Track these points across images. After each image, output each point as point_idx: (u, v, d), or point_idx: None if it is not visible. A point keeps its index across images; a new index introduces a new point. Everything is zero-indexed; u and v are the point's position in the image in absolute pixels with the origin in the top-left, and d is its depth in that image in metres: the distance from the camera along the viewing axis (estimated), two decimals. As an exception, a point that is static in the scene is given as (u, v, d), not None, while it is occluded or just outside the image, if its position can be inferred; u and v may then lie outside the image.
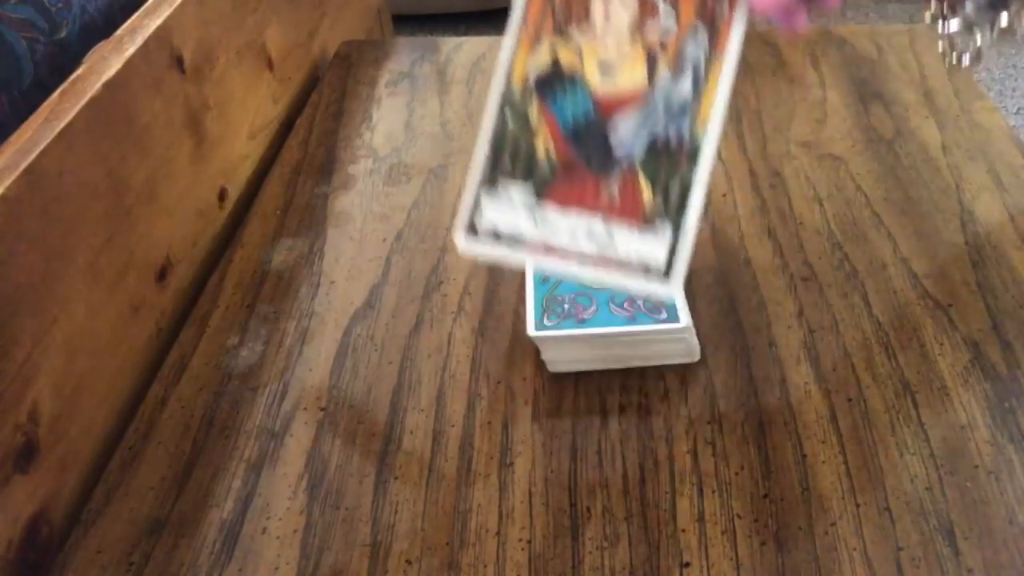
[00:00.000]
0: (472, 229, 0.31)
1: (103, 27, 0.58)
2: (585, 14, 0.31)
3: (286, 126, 0.79)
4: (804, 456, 0.45)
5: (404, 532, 0.43)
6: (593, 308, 0.48)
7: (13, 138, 0.46)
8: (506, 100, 0.31)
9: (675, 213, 0.30)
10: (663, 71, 0.30)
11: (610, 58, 0.30)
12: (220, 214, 0.67)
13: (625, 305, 0.48)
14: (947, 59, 0.45)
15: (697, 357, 0.50)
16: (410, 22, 2.45)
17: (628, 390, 0.49)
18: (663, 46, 0.30)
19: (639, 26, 0.30)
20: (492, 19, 2.49)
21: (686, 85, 0.30)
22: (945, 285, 0.54)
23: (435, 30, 2.45)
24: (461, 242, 0.31)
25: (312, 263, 0.60)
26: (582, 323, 0.47)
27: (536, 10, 0.31)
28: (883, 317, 0.52)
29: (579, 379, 0.50)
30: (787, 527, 0.42)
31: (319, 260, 0.61)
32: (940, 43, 0.45)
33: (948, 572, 0.39)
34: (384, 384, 0.51)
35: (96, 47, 0.55)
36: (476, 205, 0.31)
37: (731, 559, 0.41)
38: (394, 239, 0.62)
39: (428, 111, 0.76)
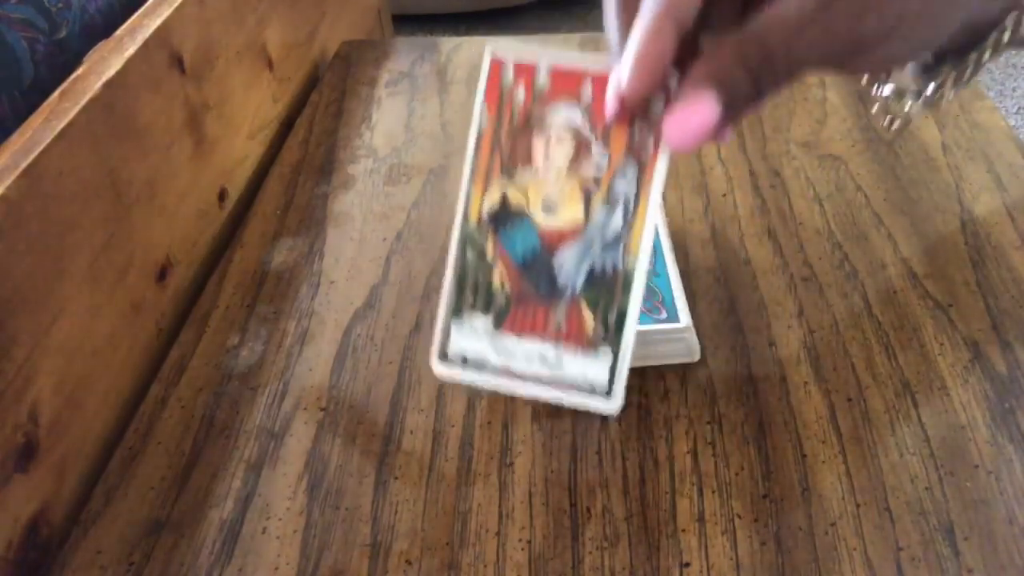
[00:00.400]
0: (444, 355, 0.35)
1: (103, 27, 0.58)
2: (528, 156, 0.35)
3: (286, 126, 0.79)
4: (804, 456, 0.45)
5: (404, 532, 0.43)
6: None
7: (13, 138, 0.46)
8: (466, 238, 0.35)
9: (614, 338, 0.34)
10: (597, 206, 0.34)
11: (551, 195, 0.34)
12: (220, 214, 0.67)
13: None
14: (881, 122, 0.45)
15: (697, 357, 0.50)
16: (410, 22, 2.45)
17: (628, 390, 0.49)
18: (597, 182, 0.34)
19: (575, 164, 0.34)
20: (492, 19, 2.49)
21: (618, 218, 0.34)
22: (945, 285, 0.54)
23: (435, 30, 2.45)
24: (436, 367, 0.36)
25: (312, 263, 0.60)
26: None
27: (485, 155, 0.35)
28: (883, 317, 0.52)
29: (579, 379, 0.50)
30: (787, 527, 0.42)
31: (319, 260, 0.61)
32: (875, 106, 0.46)
33: (948, 572, 0.40)
34: (384, 384, 0.51)
35: (96, 47, 0.55)
36: (446, 334, 0.35)
37: (731, 559, 0.41)
38: (394, 239, 0.62)
39: (428, 111, 0.76)
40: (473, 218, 0.35)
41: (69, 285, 0.48)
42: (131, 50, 0.55)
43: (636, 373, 0.50)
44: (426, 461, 0.46)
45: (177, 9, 0.60)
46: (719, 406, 0.48)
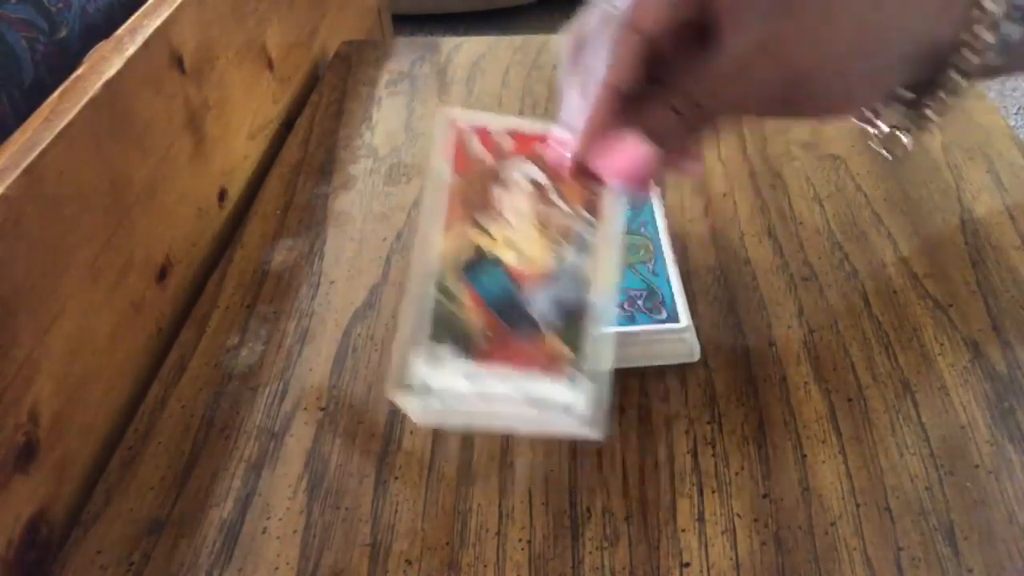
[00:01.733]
0: (410, 387, 0.36)
1: (103, 27, 0.58)
2: (494, 207, 0.37)
3: (286, 126, 0.79)
4: (804, 456, 0.45)
5: (404, 532, 0.43)
6: None
7: (13, 138, 0.46)
8: (432, 279, 0.37)
9: (588, 365, 0.36)
10: (562, 249, 0.37)
11: (519, 241, 0.37)
12: (220, 214, 0.67)
13: (625, 306, 0.48)
14: (877, 151, 0.47)
15: (697, 357, 0.50)
16: (410, 22, 2.45)
17: (628, 390, 0.49)
18: (559, 228, 0.37)
19: (538, 213, 0.37)
20: (492, 19, 2.49)
21: (582, 259, 0.37)
22: (945, 285, 0.54)
23: (435, 30, 2.45)
24: (399, 400, 0.36)
25: (312, 263, 0.60)
26: None
27: (449, 205, 0.37)
28: (883, 317, 0.52)
29: (579, 379, 0.50)
30: (787, 527, 0.42)
31: (319, 260, 0.61)
32: (870, 141, 0.48)
33: (948, 572, 0.40)
34: (384, 384, 0.51)
35: (96, 47, 0.55)
36: (411, 367, 0.36)
37: (731, 559, 0.41)
38: (394, 239, 0.62)
39: (428, 111, 0.76)
40: (440, 264, 0.37)
41: (69, 285, 0.48)
42: (131, 50, 0.55)
43: (636, 373, 0.50)
44: (426, 461, 0.46)
45: (177, 9, 0.60)
46: (719, 406, 0.48)
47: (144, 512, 0.45)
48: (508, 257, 0.37)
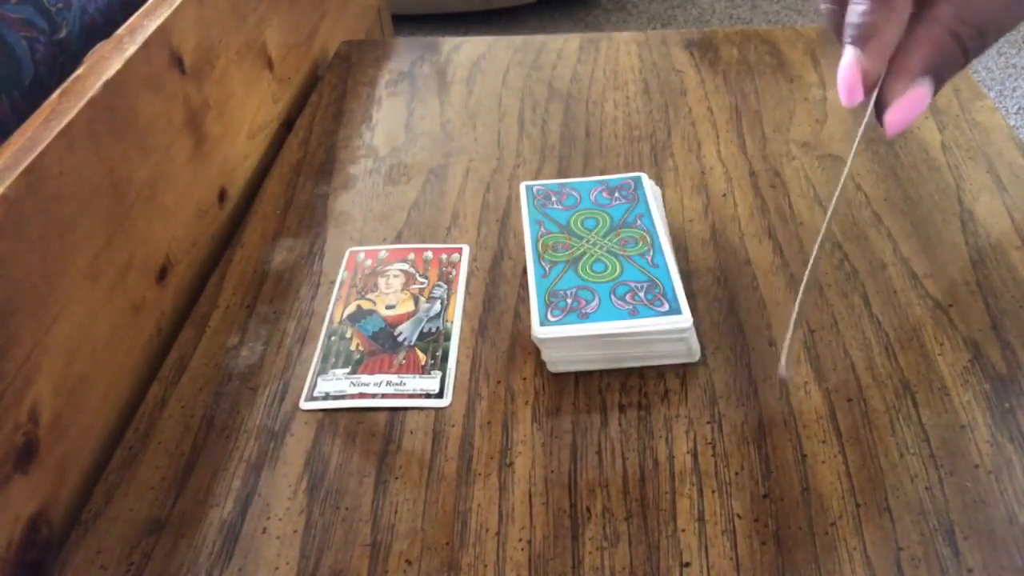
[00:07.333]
0: (312, 398, 0.50)
1: (103, 27, 0.58)
2: (375, 287, 0.57)
3: (286, 126, 0.79)
4: (804, 456, 0.45)
5: (404, 532, 0.43)
6: (596, 302, 0.48)
7: (13, 138, 0.46)
8: (331, 332, 0.54)
9: (441, 364, 0.51)
10: (423, 302, 0.55)
11: (391, 301, 0.56)
12: (220, 214, 0.67)
13: (627, 298, 0.48)
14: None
15: (697, 357, 0.50)
16: (410, 22, 2.45)
17: (628, 390, 0.49)
18: (421, 291, 0.56)
19: (406, 286, 0.57)
20: (492, 19, 2.49)
21: (437, 306, 0.55)
22: (945, 285, 0.54)
23: (435, 30, 2.45)
24: (304, 405, 0.50)
25: (312, 263, 0.60)
26: (585, 318, 0.47)
27: (346, 289, 0.57)
28: (883, 317, 0.52)
29: (579, 379, 0.50)
30: (787, 527, 0.42)
31: (319, 260, 0.61)
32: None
33: (948, 572, 0.40)
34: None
35: (96, 47, 0.55)
36: (313, 384, 0.51)
37: (731, 559, 0.41)
38: (394, 239, 0.62)
39: (428, 111, 0.76)
40: (336, 321, 0.55)
41: (69, 285, 0.48)
42: (131, 50, 0.55)
43: (636, 373, 0.50)
44: (426, 461, 0.46)
45: (177, 9, 0.60)
46: (719, 406, 0.48)
47: (144, 512, 0.45)
48: (382, 309, 0.55)
